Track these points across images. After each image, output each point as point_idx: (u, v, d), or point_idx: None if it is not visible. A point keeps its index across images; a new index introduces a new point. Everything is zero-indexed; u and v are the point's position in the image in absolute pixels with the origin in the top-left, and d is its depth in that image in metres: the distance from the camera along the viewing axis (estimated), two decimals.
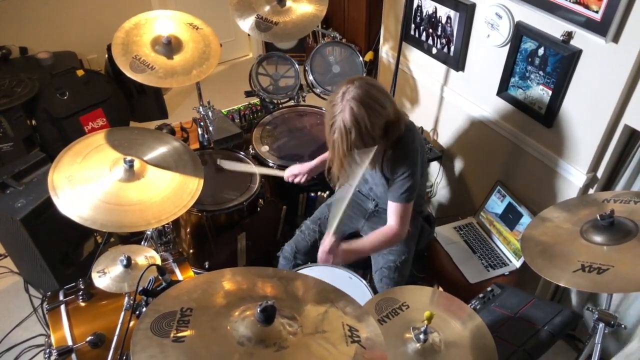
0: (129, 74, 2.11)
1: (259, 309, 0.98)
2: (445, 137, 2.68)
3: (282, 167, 2.33)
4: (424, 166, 1.90)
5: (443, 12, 2.34)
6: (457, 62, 2.37)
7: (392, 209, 1.82)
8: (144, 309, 1.38)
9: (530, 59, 2.00)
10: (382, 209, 2.06)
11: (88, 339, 1.65)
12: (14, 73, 3.04)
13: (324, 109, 2.80)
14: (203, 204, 2.20)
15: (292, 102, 2.88)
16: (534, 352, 1.52)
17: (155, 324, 0.96)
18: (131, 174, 1.81)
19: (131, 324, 1.55)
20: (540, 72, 1.98)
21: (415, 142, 1.78)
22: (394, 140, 1.74)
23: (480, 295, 1.81)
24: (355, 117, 1.58)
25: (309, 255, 2.13)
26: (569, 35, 1.81)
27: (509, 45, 2.07)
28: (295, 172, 2.17)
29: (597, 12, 1.67)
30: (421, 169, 1.84)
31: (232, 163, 2.35)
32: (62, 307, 1.79)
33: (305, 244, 2.12)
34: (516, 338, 1.55)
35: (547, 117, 2.02)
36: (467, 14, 2.20)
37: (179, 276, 1.95)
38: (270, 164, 2.44)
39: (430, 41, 2.50)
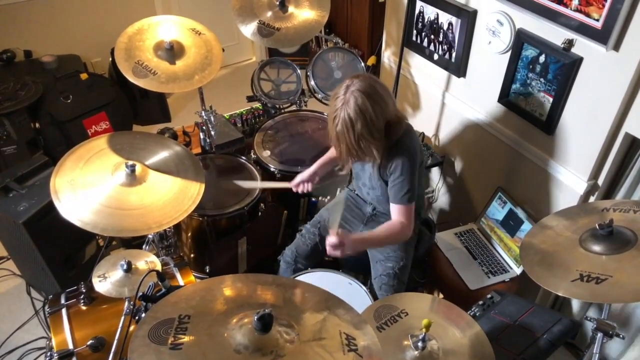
0: (131, 78, 2.12)
1: (256, 317, 0.98)
2: (446, 142, 2.68)
3: (285, 175, 2.34)
4: (421, 169, 1.90)
5: (445, 18, 2.34)
6: (458, 68, 2.37)
7: (395, 211, 1.82)
8: (144, 314, 1.39)
9: (531, 66, 2.01)
10: (380, 212, 2.06)
11: (89, 342, 1.66)
12: (18, 76, 3.06)
13: (325, 114, 2.81)
14: (204, 209, 2.21)
15: (293, 107, 2.89)
16: None
17: (153, 331, 0.97)
18: (133, 179, 1.83)
19: (131, 328, 1.56)
20: (541, 79, 1.98)
21: (413, 143, 1.79)
22: (393, 142, 1.75)
23: (480, 302, 1.81)
24: (359, 107, 1.59)
25: (310, 260, 2.14)
26: (570, 43, 1.81)
27: (510, 52, 2.07)
28: (298, 181, 2.17)
29: (597, 20, 1.67)
30: (419, 172, 1.84)
31: (247, 182, 2.35)
32: (64, 310, 1.80)
33: (305, 247, 2.12)
34: (515, 346, 1.54)
35: (548, 124, 2.02)
36: (469, 20, 2.20)
37: (180, 281, 1.96)
38: (272, 169, 2.44)
39: (431, 47, 2.50)
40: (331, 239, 1.68)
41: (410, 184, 1.77)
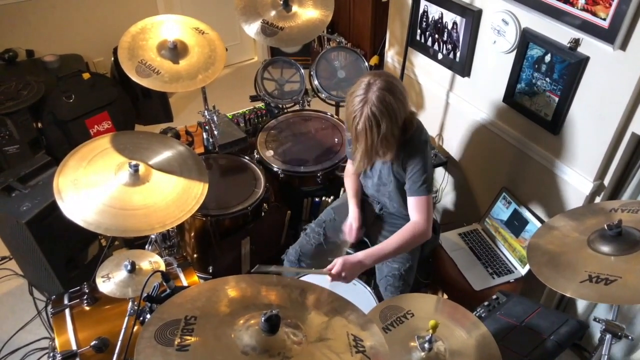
0: (134, 78, 2.11)
1: (263, 319, 0.97)
2: (450, 142, 2.67)
3: (288, 175, 2.32)
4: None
5: (449, 17, 2.33)
6: (462, 68, 2.36)
7: (414, 205, 1.81)
8: (148, 315, 1.38)
9: (536, 66, 2.00)
10: (387, 212, 2.05)
11: (92, 343, 1.65)
12: (21, 76, 3.06)
13: (329, 113, 2.80)
14: (207, 209, 2.20)
15: (297, 107, 2.88)
16: None
17: (159, 333, 0.96)
18: (136, 178, 1.82)
19: (135, 329, 1.55)
20: (547, 79, 1.97)
21: (423, 136, 1.81)
22: (407, 137, 1.76)
23: (486, 303, 1.80)
24: (385, 105, 1.60)
25: (314, 259, 2.12)
26: (576, 42, 1.80)
27: (515, 52, 2.06)
28: (347, 230, 2.02)
29: (604, 19, 1.66)
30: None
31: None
32: (67, 311, 1.79)
33: (309, 247, 2.11)
34: (522, 348, 1.53)
35: (554, 124, 2.01)
36: (474, 19, 2.19)
37: (184, 281, 1.95)
38: (275, 168, 2.43)
39: (436, 47, 2.49)
40: (328, 277, 1.68)
41: (425, 174, 1.78)
